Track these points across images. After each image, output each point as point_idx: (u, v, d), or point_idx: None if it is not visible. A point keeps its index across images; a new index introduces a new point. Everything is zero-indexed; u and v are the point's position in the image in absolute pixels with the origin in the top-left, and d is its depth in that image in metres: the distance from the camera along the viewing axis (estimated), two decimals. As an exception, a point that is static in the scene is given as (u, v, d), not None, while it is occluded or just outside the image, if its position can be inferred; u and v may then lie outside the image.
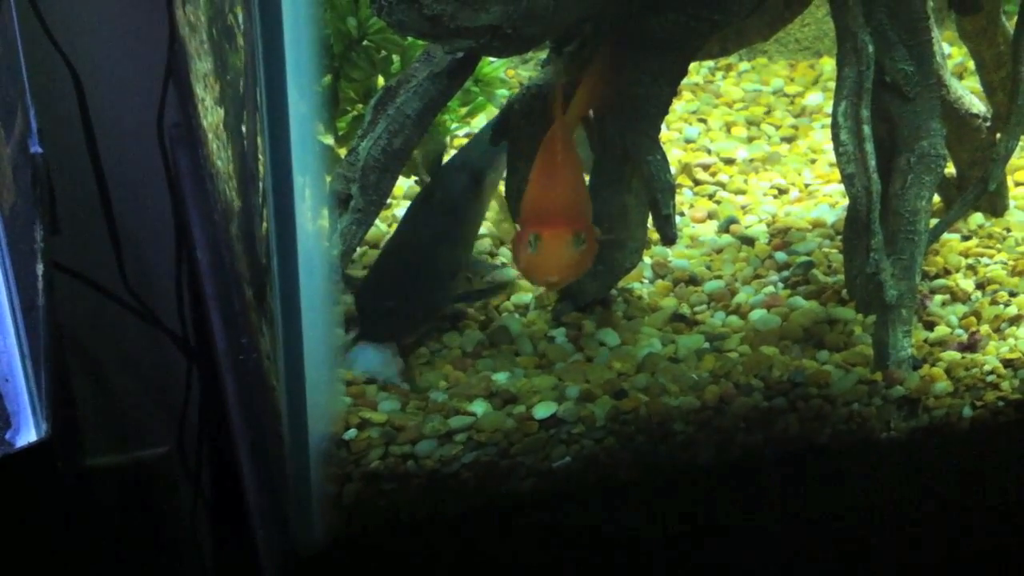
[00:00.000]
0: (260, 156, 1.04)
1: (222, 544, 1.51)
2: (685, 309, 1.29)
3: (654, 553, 1.22)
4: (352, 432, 1.10)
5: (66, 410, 1.33)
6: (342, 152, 1.25)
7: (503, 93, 1.34)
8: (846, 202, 1.23)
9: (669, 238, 1.24)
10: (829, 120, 1.22)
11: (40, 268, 1.47)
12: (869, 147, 1.19)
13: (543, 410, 1.14)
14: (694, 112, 1.62)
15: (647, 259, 1.35)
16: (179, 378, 1.86)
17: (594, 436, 1.16)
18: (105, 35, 1.80)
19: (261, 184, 1.07)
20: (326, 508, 1.09)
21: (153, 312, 1.85)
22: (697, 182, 1.49)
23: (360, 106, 1.29)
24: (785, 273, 1.34)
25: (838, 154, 1.19)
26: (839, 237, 1.37)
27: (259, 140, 1.03)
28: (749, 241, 1.39)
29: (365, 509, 1.11)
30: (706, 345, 1.24)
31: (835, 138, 1.19)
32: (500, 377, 1.18)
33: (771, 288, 1.32)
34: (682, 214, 1.43)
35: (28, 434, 1.18)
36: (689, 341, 1.24)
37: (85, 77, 1.73)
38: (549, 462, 1.15)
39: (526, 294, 1.30)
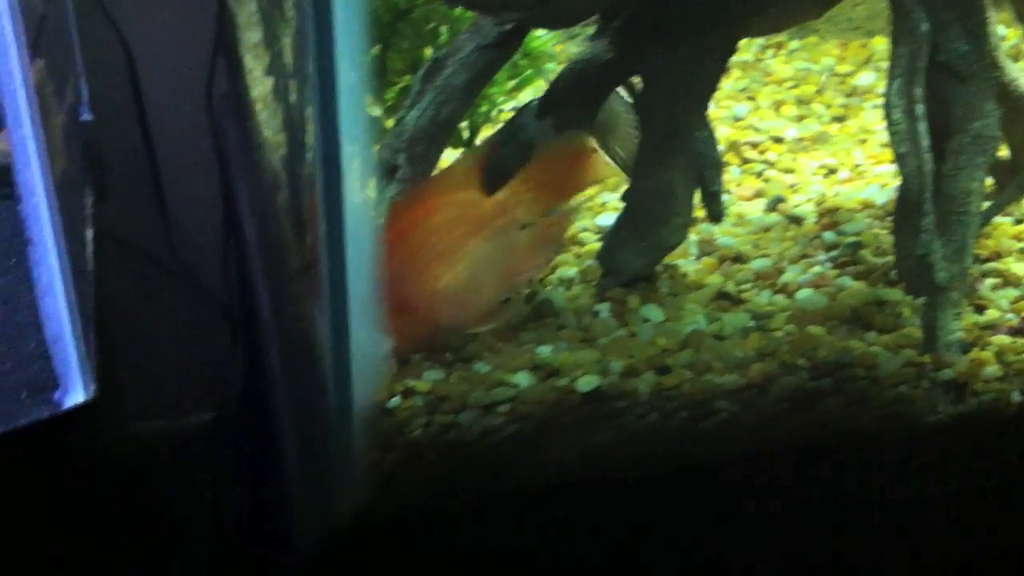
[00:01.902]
0: (308, 126, 1.05)
1: (262, 512, 1.52)
2: (731, 287, 1.28)
3: (691, 532, 1.22)
4: (396, 400, 1.10)
5: (112, 374, 1.35)
6: (389, 123, 1.25)
7: (551, 67, 1.34)
8: (897, 182, 1.22)
9: (716, 215, 1.23)
10: (881, 100, 1.21)
11: (90, 233, 1.49)
12: (922, 127, 1.17)
13: (586, 384, 1.14)
14: (743, 90, 1.61)
15: (693, 236, 1.34)
16: (224, 346, 1.87)
17: (637, 412, 1.16)
18: (156, 4, 1.81)
19: (309, 154, 1.07)
20: (368, 476, 1.10)
21: (199, 280, 1.86)
22: (745, 160, 1.48)
23: (407, 77, 1.29)
24: (833, 253, 1.33)
25: (891, 133, 1.18)
26: (889, 218, 1.35)
27: (308, 110, 1.03)
28: (797, 220, 1.38)
29: (406, 478, 1.12)
30: (751, 324, 1.23)
31: (888, 117, 1.18)
32: (543, 350, 1.18)
33: (818, 268, 1.31)
34: (729, 192, 1.42)
35: (76, 395, 1.20)
36: (734, 319, 1.24)
37: (136, 46, 1.74)
38: (592, 437, 1.15)
39: (571, 268, 1.29)
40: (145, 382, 1.98)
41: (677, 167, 1.23)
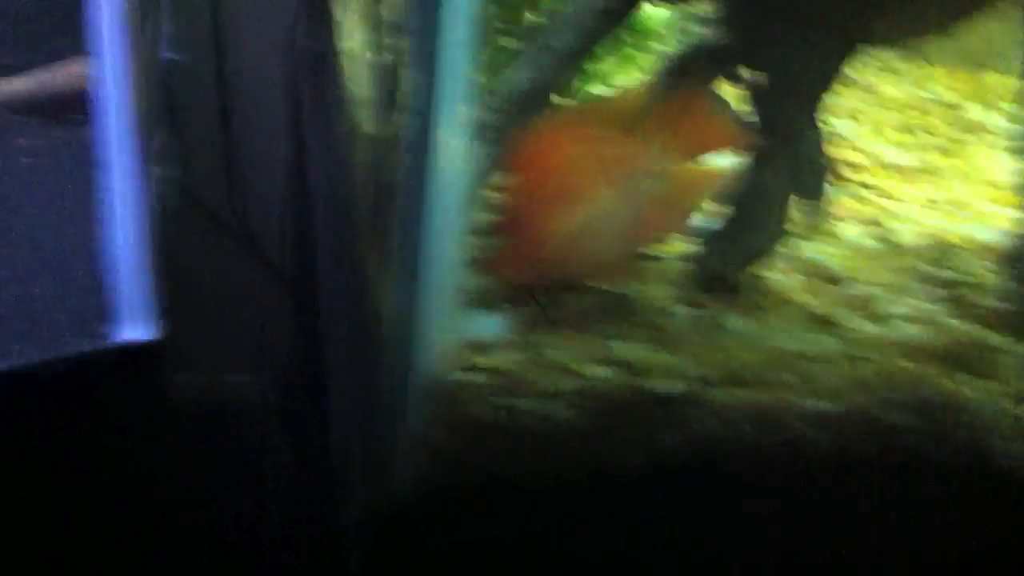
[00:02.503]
0: (403, 84, 0.99)
1: (305, 480, 1.47)
2: (822, 308, 1.21)
3: (754, 549, 1.15)
4: (459, 375, 1.04)
5: (167, 320, 1.31)
6: (489, 84, 1.19)
7: (657, 47, 1.27)
8: (1008, 224, 1.14)
9: (812, 224, 1.17)
10: (989, 136, 1.14)
11: (159, 172, 1.45)
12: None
13: (659, 385, 1.08)
14: (846, 108, 1.54)
15: (783, 249, 1.28)
16: (277, 306, 1.82)
17: (707, 421, 1.09)
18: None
19: (400, 113, 1.02)
20: (422, 452, 1.04)
21: (255, 236, 1.81)
22: (842, 179, 1.41)
23: (509, 38, 1.23)
24: (939, 290, 1.25)
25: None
26: (993, 257, 1.28)
27: (404, 67, 0.98)
28: (897, 249, 1.31)
29: (463, 458, 1.06)
30: (840, 349, 1.17)
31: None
32: (618, 346, 1.12)
33: (917, 302, 1.23)
34: (824, 211, 1.35)
35: (135, 331, 1.15)
36: (822, 342, 1.17)
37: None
38: (658, 440, 1.09)
39: (651, 265, 1.23)
40: (193, 337, 1.94)
41: (774, 169, 1.16)
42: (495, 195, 1.12)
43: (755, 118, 1.17)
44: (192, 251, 1.87)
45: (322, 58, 1.65)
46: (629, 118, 1.07)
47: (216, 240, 1.83)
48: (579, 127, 1.06)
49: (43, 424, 1.08)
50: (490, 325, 1.09)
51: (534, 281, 1.10)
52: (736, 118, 1.10)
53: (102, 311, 1.15)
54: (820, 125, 1.15)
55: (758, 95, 1.17)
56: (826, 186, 1.20)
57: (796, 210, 1.22)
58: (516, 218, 1.07)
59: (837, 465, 1.12)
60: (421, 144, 0.94)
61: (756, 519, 1.11)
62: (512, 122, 1.07)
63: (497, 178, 1.10)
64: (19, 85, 1.42)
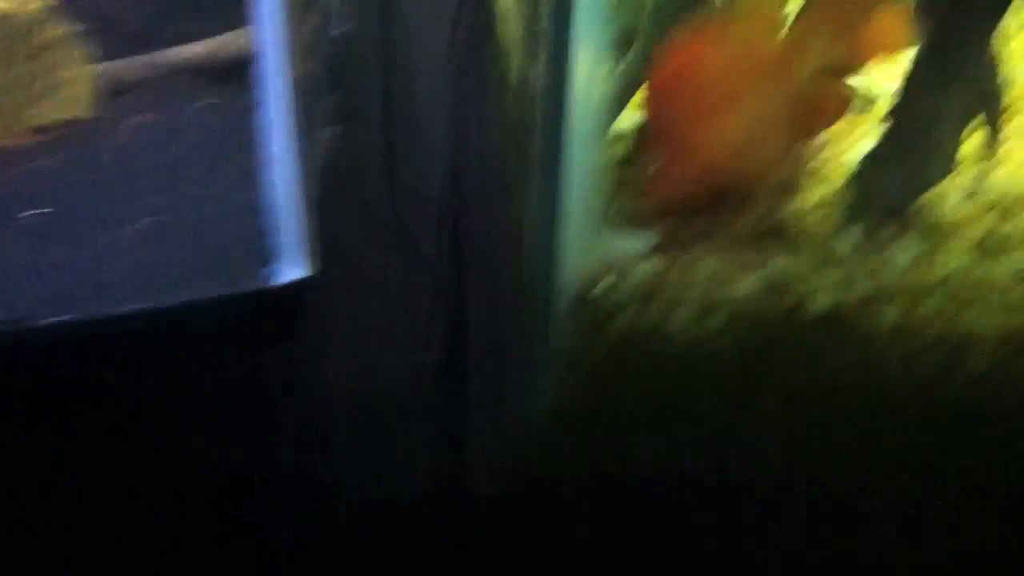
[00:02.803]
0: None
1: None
2: (1004, 232, 1.13)
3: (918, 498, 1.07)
4: (603, 288, 1.01)
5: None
6: None
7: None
8: None
9: (991, 148, 1.09)
10: None
11: (328, 133, 1.47)
12: None
13: (820, 303, 1.02)
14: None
15: (962, 177, 1.20)
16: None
17: (874, 345, 1.03)
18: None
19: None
20: (565, 370, 1.01)
21: (411, 231, 1.81)
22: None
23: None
24: None
25: None
26: None
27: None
28: (1088, 178, 1.21)
29: (608, 378, 1.02)
30: (1015, 273, 1.08)
31: None
32: (780, 265, 1.07)
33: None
34: (1017, 137, 1.26)
35: (293, 271, 1.17)
36: (1003, 265, 1.09)
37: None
38: (819, 367, 1.03)
39: (819, 190, 1.17)
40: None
41: (948, 90, 1.09)
42: (640, 112, 1.09)
43: (925, 37, 1.11)
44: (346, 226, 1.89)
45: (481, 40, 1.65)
46: (779, 16, 1.02)
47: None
48: (725, 30, 1.02)
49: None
50: (635, 242, 1.05)
51: (692, 196, 1.06)
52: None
53: (266, 255, 1.17)
54: (995, 47, 1.07)
55: (927, 11, 1.10)
56: (1001, 114, 1.11)
57: (972, 139, 1.15)
58: (668, 133, 1.04)
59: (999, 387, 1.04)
60: (556, 56, 0.92)
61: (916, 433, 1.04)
62: (656, 29, 1.04)
63: (642, 93, 1.07)
64: (198, 50, 1.47)
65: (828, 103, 1.06)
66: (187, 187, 1.26)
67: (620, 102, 1.07)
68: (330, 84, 1.52)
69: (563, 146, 0.95)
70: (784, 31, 1.04)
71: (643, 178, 1.06)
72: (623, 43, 1.06)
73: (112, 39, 1.40)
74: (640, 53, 1.07)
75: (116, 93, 1.39)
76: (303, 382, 1.10)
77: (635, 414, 1.02)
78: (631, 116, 1.17)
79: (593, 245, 1.04)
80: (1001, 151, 1.24)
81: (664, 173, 1.04)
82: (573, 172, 0.97)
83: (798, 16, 1.06)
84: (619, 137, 1.12)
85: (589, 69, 1.00)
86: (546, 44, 0.93)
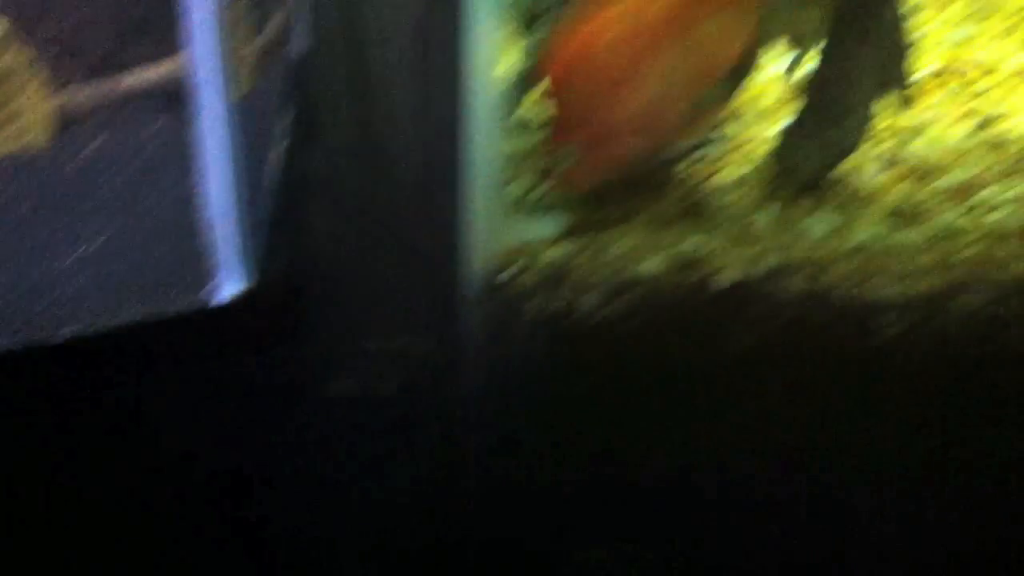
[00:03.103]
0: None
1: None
2: (916, 201, 1.14)
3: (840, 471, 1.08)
4: (512, 272, 1.03)
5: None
6: None
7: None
8: None
9: (903, 104, 1.09)
10: None
11: (279, 151, 1.49)
12: None
13: (728, 277, 1.03)
14: (968, 16, 1.45)
15: (878, 147, 1.21)
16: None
17: (784, 315, 1.04)
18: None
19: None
20: (480, 354, 1.03)
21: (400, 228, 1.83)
22: (958, 84, 1.33)
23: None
24: (1042, 175, 1.16)
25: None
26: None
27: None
28: (1007, 142, 1.22)
29: (521, 360, 1.04)
30: (934, 240, 1.09)
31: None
32: (691, 243, 1.08)
33: (1022, 188, 1.14)
34: (932, 111, 1.27)
35: (232, 287, 1.19)
36: (913, 234, 1.10)
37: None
38: (731, 339, 1.04)
39: (737, 169, 1.18)
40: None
41: (859, 57, 1.10)
42: (541, 106, 1.11)
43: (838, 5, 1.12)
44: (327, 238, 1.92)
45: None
46: None
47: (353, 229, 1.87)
48: (610, 6, 1.03)
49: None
50: (545, 226, 1.07)
51: (611, 177, 1.07)
52: None
53: (205, 273, 1.19)
54: (898, 8, 1.08)
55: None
56: (910, 73, 1.11)
57: (884, 106, 1.15)
58: (572, 118, 1.05)
59: (932, 370, 1.05)
60: (455, 46, 0.94)
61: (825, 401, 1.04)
62: (555, 15, 1.05)
63: (541, 86, 1.08)
64: (151, 74, 1.49)
65: (719, 59, 1.06)
66: (138, 209, 1.28)
67: (524, 87, 1.08)
68: (285, 101, 1.55)
69: (464, 133, 0.97)
70: None
71: (552, 165, 1.08)
72: (526, 26, 1.08)
73: (67, 65, 1.43)
74: (543, 36, 1.08)
75: (70, 121, 1.42)
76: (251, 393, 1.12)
77: (549, 396, 1.04)
78: (535, 102, 1.19)
79: (503, 231, 1.06)
80: (919, 120, 1.26)
81: (574, 158, 1.05)
82: (478, 158, 0.99)
83: None
84: (525, 123, 1.14)
85: (490, 54, 1.02)
86: (441, 29, 0.94)
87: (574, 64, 1.03)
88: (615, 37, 1.02)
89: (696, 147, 1.15)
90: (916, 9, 1.43)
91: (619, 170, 1.09)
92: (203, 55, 1.17)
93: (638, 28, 1.02)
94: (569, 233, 1.08)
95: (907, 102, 1.13)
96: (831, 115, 1.12)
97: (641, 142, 1.06)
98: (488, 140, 1.03)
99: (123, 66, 1.47)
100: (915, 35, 1.32)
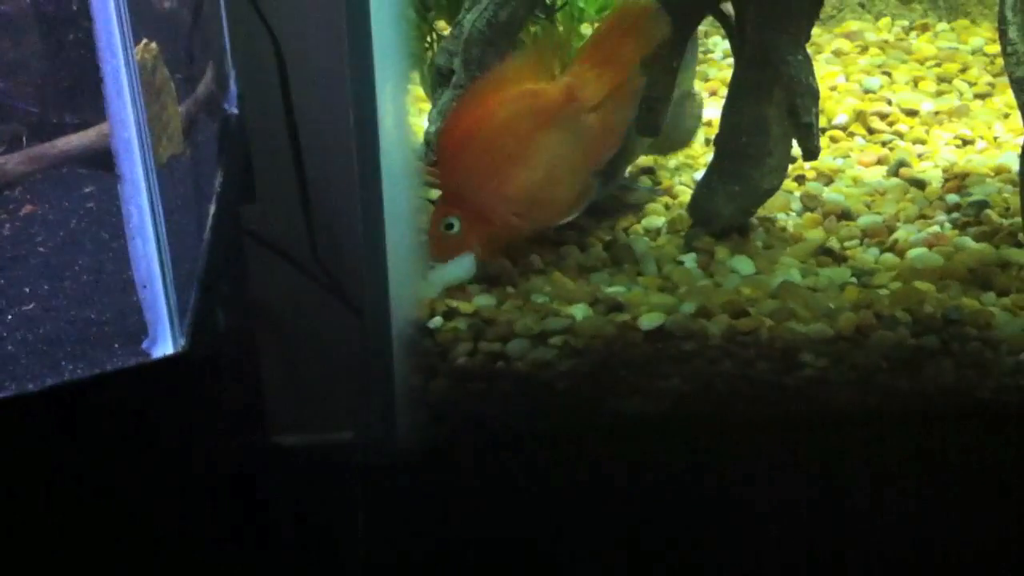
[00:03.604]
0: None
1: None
2: (834, 243, 1.17)
3: (768, 508, 1.09)
4: (438, 320, 1.04)
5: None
6: (447, 28, 1.20)
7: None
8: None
9: (810, 151, 1.12)
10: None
11: (212, 209, 1.50)
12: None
13: (649, 320, 1.05)
14: (880, 66, 1.50)
15: (796, 192, 1.24)
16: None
17: (708, 356, 1.05)
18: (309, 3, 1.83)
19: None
20: (410, 406, 1.03)
21: (340, 287, 1.82)
22: (872, 131, 1.37)
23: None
24: (955, 215, 1.19)
25: (1006, 55, 1.05)
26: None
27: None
28: (919, 184, 1.25)
29: (451, 410, 1.05)
30: (852, 280, 1.12)
31: (1002, 36, 1.05)
32: (613, 289, 1.10)
33: (936, 228, 1.18)
34: (847, 157, 1.31)
35: (165, 346, 1.19)
36: (833, 274, 1.12)
37: (285, 44, 1.75)
38: (655, 380, 1.06)
39: (659, 218, 1.21)
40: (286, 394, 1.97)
41: (771, 101, 1.13)
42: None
43: (742, 51, 1.15)
44: (281, 307, 1.91)
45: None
46: (547, 62, 1.08)
47: (304, 293, 1.87)
48: (499, 90, 1.07)
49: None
50: (456, 269, 1.09)
51: (502, 240, 1.10)
52: (659, 11, 1.08)
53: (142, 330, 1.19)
54: (807, 52, 1.11)
55: (744, 25, 1.14)
56: (817, 116, 1.14)
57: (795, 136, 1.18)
58: (460, 195, 1.09)
59: (856, 406, 1.07)
60: (362, 100, 0.96)
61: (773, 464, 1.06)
62: (472, 63, 1.08)
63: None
64: (80, 140, 1.50)
65: (607, 137, 1.11)
66: (69, 272, 1.28)
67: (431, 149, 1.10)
68: (219, 160, 1.56)
69: (377, 186, 0.98)
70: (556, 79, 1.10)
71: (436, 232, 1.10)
72: (439, 84, 1.10)
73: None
74: (454, 93, 1.11)
75: (0, 188, 1.42)
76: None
77: (481, 440, 1.05)
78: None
79: (422, 280, 1.07)
80: (835, 166, 1.29)
81: (467, 225, 1.08)
82: (395, 210, 1.00)
83: (565, 66, 1.13)
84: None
85: (401, 109, 1.03)
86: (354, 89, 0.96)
87: (465, 138, 1.07)
88: (505, 116, 1.06)
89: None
90: (828, 61, 1.49)
91: (501, 242, 1.12)
92: (120, 122, 1.18)
93: (524, 114, 1.07)
94: (491, 282, 1.10)
95: (813, 146, 1.15)
96: (743, 162, 1.15)
97: (520, 221, 1.10)
98: (406, 195, 1.05)
99: (56, 131, 1.48)
100: (827, 84, 1.37)
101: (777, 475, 1.08)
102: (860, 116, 1.38)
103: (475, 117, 1.05)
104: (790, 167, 1.20)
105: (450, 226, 1.08)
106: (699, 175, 1.25)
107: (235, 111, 1.68)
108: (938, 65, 1.50)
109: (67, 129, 1.50)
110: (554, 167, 1.08)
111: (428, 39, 1.31)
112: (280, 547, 1.51)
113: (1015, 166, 1.26)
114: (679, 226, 1.19)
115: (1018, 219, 1.16)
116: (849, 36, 1.57)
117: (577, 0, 1.23)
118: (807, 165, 1.26)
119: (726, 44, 1.42)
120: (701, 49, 1.47)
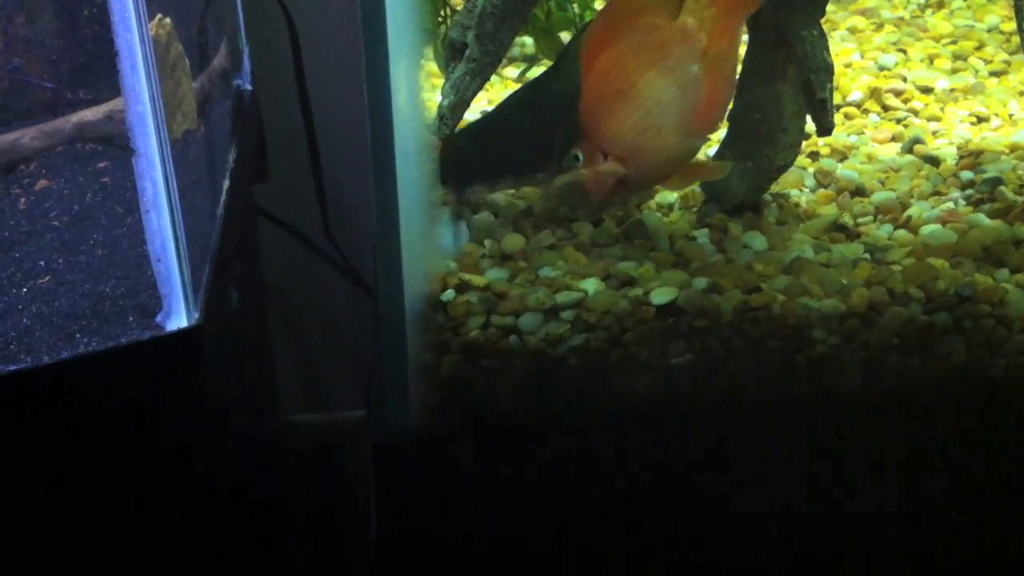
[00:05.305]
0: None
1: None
2: (847, 219, 1.17)
3: (776, 490, 1.09)
4: (450, 294, 1.04)
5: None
6: (460, 3, 1.19)
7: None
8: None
9: (825, 127, 1.12)
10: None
11: (226, 184, 1.50)
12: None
13: (661, 296, 1.05)
14: (894, 43, 1.49)
15: (810, 168, 1.23)
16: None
17: (719, 334, 1.06)
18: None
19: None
20: (422, 382, 1.04)
21: (352, 266, 1.83)
22: (886, 108, 1.36)
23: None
24: (969, 191, 1.19)
25: (1022, 33, 1.05)
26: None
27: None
28: (934, 161, 1.25)
29: (463, 386, 1.05)
30: (865, 256, 1.12)
31: (1018, 14, 1.05)
32: (625, 264, 1.10)
33: (950, 204, 1.18)
34: (862, 134, 1.31)
35: (179, 319, 1.19)
36: (846, 250, 1.12)
37: (299, 21, 1.75)
38: (666, 357, 1.06)
39: (671, 193, 1.21)
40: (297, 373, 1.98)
41: (786, 78, 1.13)
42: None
43: (756, 27, 1.14)
44: (291, 286, 1.92)
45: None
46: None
47: (316, 272, 1.88)
48: (620, 21, 1.04)
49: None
50: (451, 236, 1.08)
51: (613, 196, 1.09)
52: None
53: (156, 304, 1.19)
54: (822, 28, 1.11)
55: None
56: (832, 92, 1.13)
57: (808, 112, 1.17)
58: (588, 127, 1.06)
59: (868, 384, 1.07)
60: (374, 67, 0.95)
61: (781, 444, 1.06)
62: (485, 38, 1.07)
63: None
64: (93, 115, 1.50)
65: (719, 88, 1.07)
66: (83, 246, 1.29)
67: (456, 112, 1.09)
68: (232, 137, 1.56)
69: (391, 162, 0.97)
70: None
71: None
72: (452, 58, 1.10)
73: (12, 107, 1.44)
74: (468, 67, 1.10)
75: (16, 162, 1.42)
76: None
77: (493, 417, 1.05)
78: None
79: (435, 252, 1.07)
80: (849, 143, 1.29)
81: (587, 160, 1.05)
82: (408, 186, 1.00)
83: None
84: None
85: (415, 84, 1.03)
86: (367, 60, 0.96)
87: (593, 61, 1.04)
88: (622, 49, 1.03)
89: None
90: (843, 39, 1.48)
91: (608, 185, 1.09)
92: (135, 96, 1.18)
93: (640, 48, 1.03)
94: (505, 257, 1.10)
95: (828, 122, 1.14)
96: (757, 138, 1.14)
97: (622, 167, 1.07)
98: (420, 171, 1.05)
99: (70, 106, 1.48)
100: (842, 61, 1.36)
101: (788, 452, 1.08)
102: (875, 93, 1.37)
103: (605, 40, 1.02)
104: (804, 143, 1.20)
105: (576, 158, 1.05)
106: (713, 151, 1.25)
107: (249, 87, 1.69)
108: (953, 43, 1.49)
109: (81, 105, 1.51)
110: (660, 114, 1.04)
111: (442, 13, 1.31)
112: (290, 524, 1.52)
113: (1027, 142, 1.26)
114: (692, 202, 1.19)
115: (1031, 197, 1.16)
116: (864, 13, 1.57)
117: None
118: (821, 141, 1.26)
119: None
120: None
